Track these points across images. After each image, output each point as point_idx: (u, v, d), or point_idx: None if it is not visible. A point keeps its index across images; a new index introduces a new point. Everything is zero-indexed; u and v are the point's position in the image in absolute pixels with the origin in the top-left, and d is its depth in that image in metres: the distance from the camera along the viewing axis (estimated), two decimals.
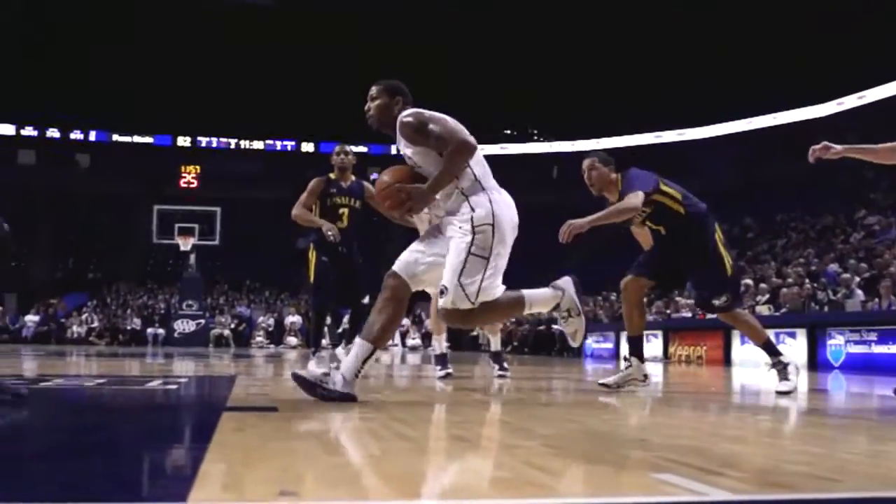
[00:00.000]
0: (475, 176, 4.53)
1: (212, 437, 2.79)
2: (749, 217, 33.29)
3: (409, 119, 4.52)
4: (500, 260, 4.53)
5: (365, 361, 4.40)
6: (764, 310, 16.96)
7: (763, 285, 18.93)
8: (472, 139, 4.47)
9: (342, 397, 4.28)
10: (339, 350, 7.97)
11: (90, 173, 42.93)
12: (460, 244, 4.44)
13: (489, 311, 4.63)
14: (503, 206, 4.54)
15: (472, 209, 4.46)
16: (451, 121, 4.53)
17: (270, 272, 36.04)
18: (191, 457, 2.51)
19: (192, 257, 28.41)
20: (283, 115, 41.71)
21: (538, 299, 4.85)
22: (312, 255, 8.25)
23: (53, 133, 42.73)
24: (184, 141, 43.65)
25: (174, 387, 6.01)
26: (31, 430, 3.34)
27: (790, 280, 18.47)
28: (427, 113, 4.54)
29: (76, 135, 43.34)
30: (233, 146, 44.07)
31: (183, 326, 27.04)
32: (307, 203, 8.04)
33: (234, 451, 2.52)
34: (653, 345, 19.68)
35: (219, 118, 41.61)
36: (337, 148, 8.45)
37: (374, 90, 4.85)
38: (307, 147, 44.81)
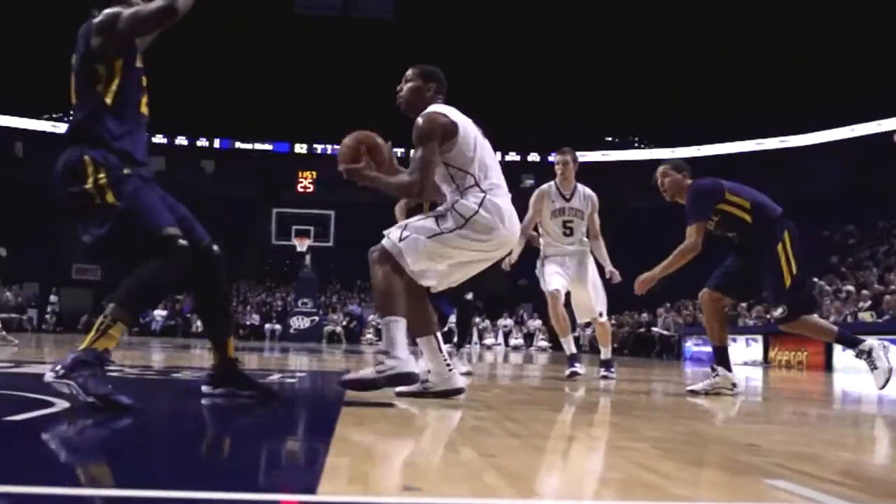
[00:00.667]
0: (475, 179, 4.49)
1: (333, 432, 2.91)
2: (851, 224, 32.28)
3: (420, 123, 4.59)
4: (452, 249, 4.40)
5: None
6: (867, 316, 16.45)
7: (865, 292, 18.38)
8: (424, 190, 4.47)
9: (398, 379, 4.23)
10: (459, 364, 8.05)
11: (215, 178, 44.45)
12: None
13: None
14: (491, 211, 4.40)
15: (458, 200, 4.44)
16: (432, 162, 4.51)
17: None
18: (316, 450, 2.62)
19: (308, 258, 29.15)
20: (392, 123, 42.19)
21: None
22: None
23: (182, 141, 44.54)
24: (301, 148, 44.78)
25: (293, 381, 6.21)
26: (165, 421, 3.52)
27: (893, 287, 17.89)
28: (431, 129, 4.53)
29: (202, 142, 45.02)
30: None
31: (298, 323, 27.81)
32: (409, 204, 8.20)
33: (356, 446, 2.64)
34: (753, 349, 19.25)
35: (333, 126, 42.40)
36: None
37: (409, 72, 4.91)
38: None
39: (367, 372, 4.26)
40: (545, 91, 40.44)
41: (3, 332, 11.83)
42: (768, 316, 5.72)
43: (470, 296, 8.25)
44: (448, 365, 4.51)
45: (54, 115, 42.64)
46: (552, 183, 8.14)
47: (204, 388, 4.12)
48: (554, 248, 7.91)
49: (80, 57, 3.84)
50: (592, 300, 7.85)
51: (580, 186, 8.09)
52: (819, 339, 6.23)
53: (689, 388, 6.24)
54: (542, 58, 40.36)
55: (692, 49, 39.14)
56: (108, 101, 3.84)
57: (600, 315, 7.98)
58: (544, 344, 27.86)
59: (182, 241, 3.62)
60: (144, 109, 4.05)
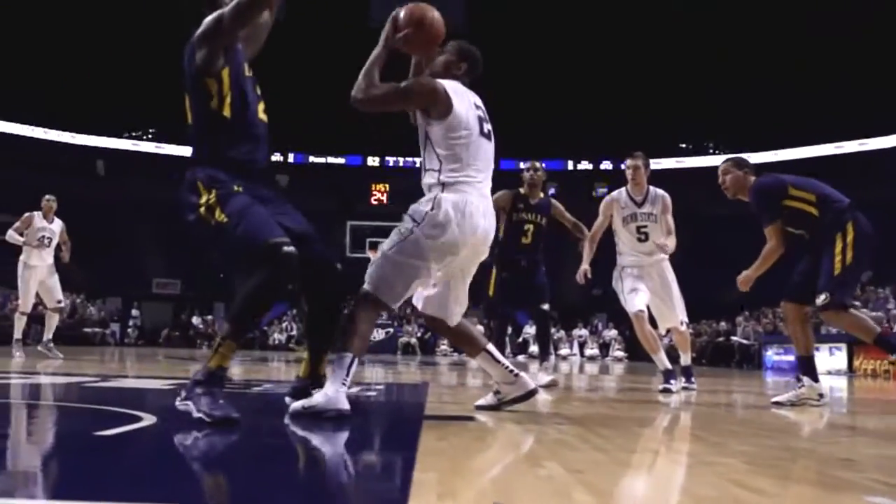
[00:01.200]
0: (439, 164, 4.43)
1: (417, 446, 2.91)
2: None
3: (422, 79, 4.57)
4: (422, 257, 4.21)
5: None
6: None
7: None
8: (366, 99, 4.32)
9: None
10: (542, 375, 7.95)
11: (289, 192, 45.03)
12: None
13: None
14: (443, 207, 4.25)
15: (430, 201, 4.33)
16: (394, 100, 4.47)
17: None
18: (401, 465, 2.62)
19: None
20: None
21: None
22: (493, 272, 8.36)
23: None
24: (373, 161, 45.19)
25: (373, 393, 6.24)
26: (249, 436, 3.55)
27: None
28: (423, 88, 4.46)
29: (276, 157, 45.78)
30: (418, 164, 44.91)
31: (373, 335, 27.96)
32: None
33: (441, 461, 2.63)
34: (837, 358, 18.73)
35: (404, 139, 42.68)
36: (527, 164, 8.54)
37: (448, 45, 4.80)
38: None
39: (489, 400, 4.39)
40: (618, 98, 40.15)
41: (51, 344, 12.09)
42: (816, 301, 5.54)
43: (546, 306, 8.18)
44: (511, 371, 4.45)
45: (133, 134, 43.73)
46: (623, 189, 7.94)
47: (287, 400, 4.16)
48: (630, 257, 7.69)
49: (189, 77, 3.92)
50: (675, 309, 7.66)
51: (652, 189, 7.86)
52: (859, 336, 6.03)
53: (774, 399, 6.09)
54: (614, 64, 40.09)
55: (768, 53, 38.52)
56: (227, 114, 3.93)
57: (681, 324, 7.77)
58: (620, 354, 27.58)
59: (287, 249, 3.64)
60: (263, 116, 4.13)
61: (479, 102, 4.64)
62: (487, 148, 4.56)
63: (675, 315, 7.66)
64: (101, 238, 34.53)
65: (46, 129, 39.91)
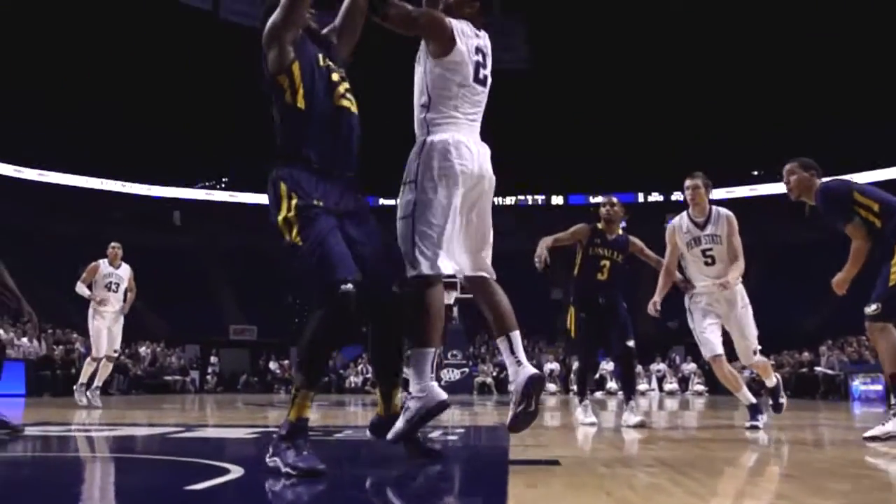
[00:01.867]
0: (428, 102, 4.34)
1: (506, 493, 2.87)
2: None
3: (427, 10, 4.45)
4: (433, 205, 4.15)
5: None
6: None
7: None
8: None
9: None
10: (629, 415, 7.76)
11: None
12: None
13: None
14: (439, 147, 4.22)
15: (417, 154, 4.27)
16: (406, 20, 4.29)
17: (528, 321, 36.05)
18: None
19: (455, 309, 29.32)
20: (532, 171, 42.33)
21: None
22: (571, 311, 8.27)
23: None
24: None
25: (453, 438, 6.18)
26: (335, 485, 3.54)
27: None
28: (429, 20, 4.34)
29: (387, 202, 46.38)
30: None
31: (449, 375, 27.96)
32: (562, 238, 8.07)
33: None
34: None
35: None
36: (604, 199, 8.42)
37: None
38: (556, 200, 45.36)
39: (399, 426, 4.09)
40: (687, 127, 39.79)
41: (97, 392, 12.17)
42: (866, 309, 5.37)
43: (631, 343, 8.02)
44: (518, 360, 4.19)
45: (207, 184, 44.70)
46: (684, 213, 7.65)
47: (369, 434, 4.19)
48: (699, 284, 7.40)
49: (266, 81, 4.02)
50: (747, 338, 7.33)
51: (714, 210, 7.52)
52: (882, 359, 5.78)
53: (867, 434, 5.85)
54: (682, 94, 39.79)
55: (840, 76, 37.84)
56: (301, 105, 3.99)
57: (754, 353, 7.42)
58: (701, 388, 27.02)
59: (344, 287, 3.62)
60: (344, 102, 4.12)
61: (485, 46, 4.59)
62: (481, 93, 4.54)
63: (748, 344, 7.38)
64: (178, 287, 35.22)
65: (124, 183, 41.01)
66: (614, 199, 8.41)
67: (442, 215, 4.15)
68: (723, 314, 7.34)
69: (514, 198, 45.08)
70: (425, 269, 4.08)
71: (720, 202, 7.94)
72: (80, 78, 35.72)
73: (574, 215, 8.23)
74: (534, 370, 4.11)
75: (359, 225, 4.00)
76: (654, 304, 7.42)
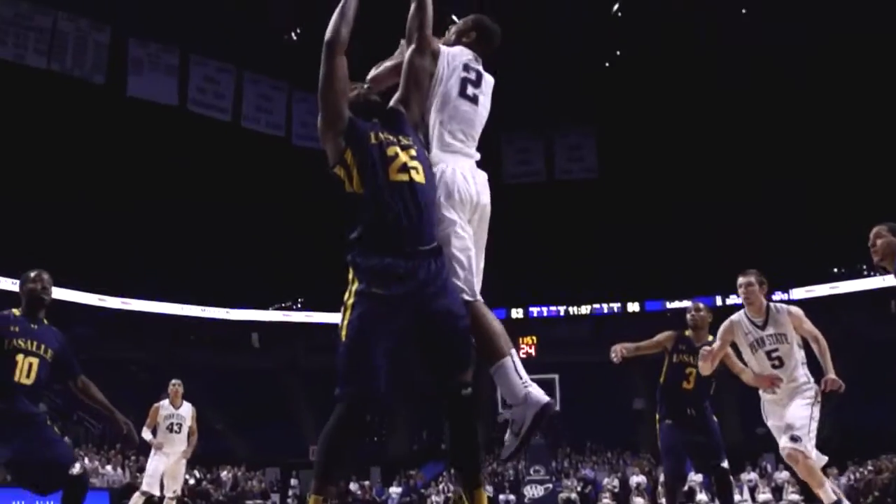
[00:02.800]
0: (443, 134, 4.39)
1: None
2: None
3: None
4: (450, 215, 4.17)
5: None
6: None
7: None
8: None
9: None
10: None
11: None
12: None
13: None
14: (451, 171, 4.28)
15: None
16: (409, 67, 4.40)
17: (609, 432, 35.57)
18: None
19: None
20: (606, 279, 42.04)
21: None
22: (657, 418, 8.01)
23: None
24: (517, 313, 45.13)
25: None
26: None
27: None
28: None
29: None
30: (562, 313, 44.89)
31: (532, 492, 27.32)
32: (645, 346, 7.86)
33: None
34: None
35: (546, 288, 42.81)
36: (691, 304, 8.18)
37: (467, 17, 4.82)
38: (633, 307, 44.75)
39: (510, 441, 3.93)
40: (764, 226, 39.19)
41: None
42: None
43: (725, 464, 7.63)
44: (525, 384, 4.02)
45: (283, 305, 45.30)
46: (741, 312, 7.31)
47: None
48: (775, 391, 6.98)
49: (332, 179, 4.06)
50: (791, 420, 6.81)
51: (772, 306, 7.18)
52: None
53: None
54: (756, 195, 39.40)
55: None
56: (359, 190, 4.00)
57: (792, 439, 6.75)
58: (796, 497, 25.88)
59: (348, 401, 3.64)
60: (401, 176, 4.07)
61: (478, 69, 4.61)
62: (470, 111, 4.49)
63: (788, 424, 6.78)
64: (258, 408, 35.38)
65: (203, 307, 41.79)
66: (700, 305, 8.14)
67: (470, 243, 4.28)
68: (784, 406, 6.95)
69: (588, 307, 44.65)
70: (478, 292, 4.21)
71: (800, 302, 7.66)
72: (160, 208, 36.88)
73: (651, 322, 8.01)
74: (546, 396, 3.92)
75: (435, 298, 3.91)
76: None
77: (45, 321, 6.70)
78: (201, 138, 35.12)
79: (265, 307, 44.50)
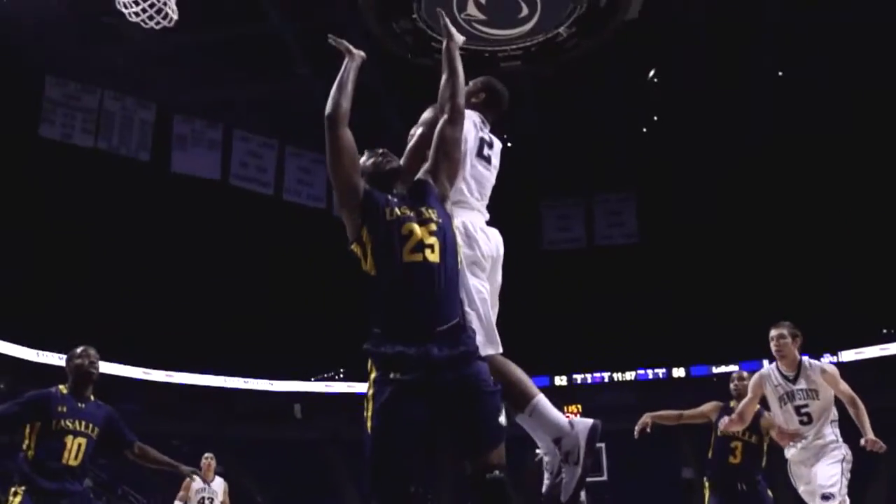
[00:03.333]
0: (462, 191, 4.42)
1: None
2: None
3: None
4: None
5: None
6: None
7: None
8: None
9: None
10: None
11: None
12: None
13: None
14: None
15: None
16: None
17: (658, 501, 34.85)
18: None
19: (583, 494, 28.31)
20: (652, 344, 41.55)
21: None
22: (706, 491, 7.81)
23: None
24: (560, 380, 44.67)
25: None
26: None
27: None
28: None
29: None
30: (606, 380, 44.37)
31: None
32: (690, 416, 7.70)
33: None
34: None
35: (589, 356, 42.41)
36: (734, 373, 7.99)
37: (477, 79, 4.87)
38: (678, 372, 44.10)
39: (567, 475, 3.88)
40: (811, 288, 38.60)
41: None
42: None
43: None
44: (567, 423, 4.10)
45: (325, 376, 45.26)
46: (773, 365, 7.10)
47: None
48: (793, 448, 6.83)
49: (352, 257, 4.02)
50: (822, 480, 6.59)
51: (805, 361, 6.96)
52: None
53: None
54: (802, 257, 38.92)
55: None
56: (372, 271, 3.91)
57: (823, 497, 6.55)
58: None
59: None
60: (416, 256, 3.95)
61: (490, 137, 4.71)
62: (485, 172, 4.60)
63: (818, 486, 6.57)
64: (301, 480, 35.15)
65: (246, 379, 41.89)
66: (743, 374, 7.91)
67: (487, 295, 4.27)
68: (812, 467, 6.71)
69: (633, 373, 44.13)
70: (497, 343, 4.20)
71: (850, 364, 7.45)
72: (203, 280, 37.26)
73: (697, 387, 7.85)
74: (590, 420, 3.93)
75: (457, 376, 3.78)
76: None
77: (92, 397, 6.72)
78: (244, 211, 35.57)
79: (308, 378, 44.51)
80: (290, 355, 41.16)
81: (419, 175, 4.26)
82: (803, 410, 6.88)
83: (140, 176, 32.46)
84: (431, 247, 3.98)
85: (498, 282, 4.52)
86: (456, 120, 4.34)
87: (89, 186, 32.80)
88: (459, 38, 4.73)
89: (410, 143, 4.56)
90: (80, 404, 6.54)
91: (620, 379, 44.43)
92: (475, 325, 4.07)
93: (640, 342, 41.47)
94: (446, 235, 4.05)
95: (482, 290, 4.22)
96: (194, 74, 28.50)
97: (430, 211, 4.09)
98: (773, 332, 7.17)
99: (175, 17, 7.87)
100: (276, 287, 39.54)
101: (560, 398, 43.66)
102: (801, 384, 6.93)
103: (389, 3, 17.55)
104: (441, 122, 4.34)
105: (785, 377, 7.02)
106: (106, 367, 30.51)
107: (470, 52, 19.65)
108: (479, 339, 4.04)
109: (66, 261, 32.97)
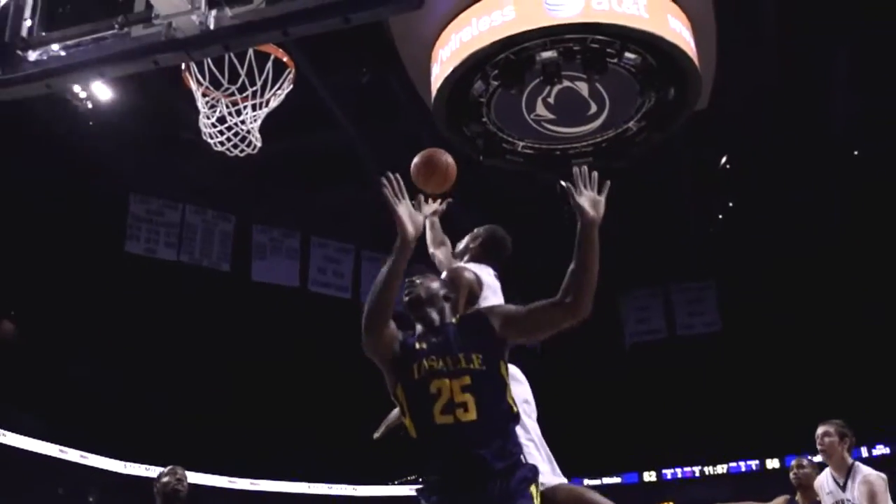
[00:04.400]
0: None
1: None
2: None
3: (450, 274, 4.56)
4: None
5: None
6: None
7: None
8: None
9: None
10: None
11: None
12: None
13: None
14: None
15: None
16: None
17: None
18: None
19: None
20: (743, 435, 40.38)
21: None
22: None
23: None
24: (649, 476, 43.57)
25: None
26: None
27: None
28: (458, 283, 4.48)
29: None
30: (697, 474, 43.17)
31: None
32: None
33: None
34: None
35: (680, 448, 41.40)
36: (793, 462, 7.62)
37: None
38: (772, 464, 42.66)
39: None
40: (866, 380, 37.22)
41: None
42: None
43: None
44: None
45: (408, 479, 44.80)
46: (828, 469, 6.75)
47: None
48: None
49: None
50: None
51: (857, 468, 6.55)
52: None
53: None
54: (887, 343, 37.70)
55: None
56: (413, 432, 3.84)
57: None
58: None
59: None
60: (444, 419, 3.79)
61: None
62: None
63: None
64: None
65: (330, 485, 41.69)
66: (803, 461, 7.51)
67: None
68: None
69: (724, 466, 42.80)
70: (550, 476, 4.30)
71: None
72: (283, 386, 37.54)
73: (742, 484, 7.49)
74: None
75: None
76: None
77: None
78: (322, 316, 35.96)
79: (390, 482, 44.10)
80: (374, 460, 40.92)
81: (481, 306, 4.10)
82: None
83: (222, 286, 33.19)
84: (464, 405, 3.77)
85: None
86: (574, 315, 3.96)
87: (173, 298, 33.63)
88: (597, 215, 4.13)
89: (459, 250, 4.62)
90: None
91: (712, 473, 43.13)
92: (534, 457, 3.98)
93: (732, 433, 40.34)
94: (484, 385, 3.80)
95: (535, 427, 4.21)
96: (271, 184, 29.30)
97: (467, 358, 3.86)
98: (818, 431, 6.83)
99: (259, 144, 8.19)
100: (355, 388, 39.58)
101: (650, 495, 42.48)
102: (848, 493, 6.50)
103: (460, 110, 17.87)
104: (559, 304, 3.99)
105: (836, 482, 6.61)
106: (192, 477, 30.81)
107: (541, 151, 19.90)
108: (544, 469, 3.97)
109: (146, 371, 33.61)
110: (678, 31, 16.81)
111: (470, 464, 3.64)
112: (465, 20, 17.14)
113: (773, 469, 42.17)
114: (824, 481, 6.67)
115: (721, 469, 42.91)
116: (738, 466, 42.84)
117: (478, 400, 3.76)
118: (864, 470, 6.64)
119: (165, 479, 6.69)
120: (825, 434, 6.77)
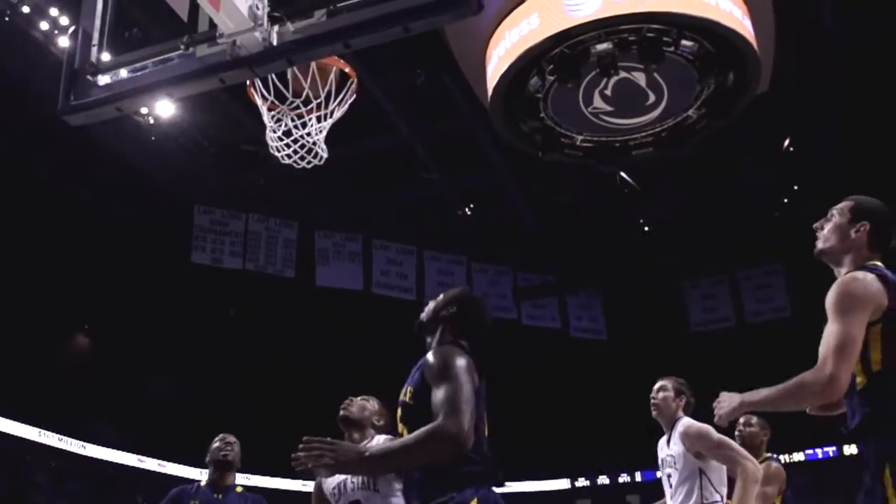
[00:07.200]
0: None
1: None
2: None
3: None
4: None
5: None
6: None
7: None
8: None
9: None
10: None
11: None
12: None
13: None
14: None
15: None
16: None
17: None
18: None
19: None
20: (819, 421, 39.45)
21: None
22: None
23: (604, 480, 44.98)
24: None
25: None
26: None
27: None
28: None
29: (624, 478, 44.91)
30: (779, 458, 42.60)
31: None
32: None
33: None
34: None
35: None
36: (741, 419, 7.57)
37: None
38: (849, 450, 41.81)
39: None
40: None
41: None
42: None
43: None
44: None
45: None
46: None
47: None
48: None
49: None
50: None
51: (680, 421, 6.63)
52: None
53: None
54: None
55: None
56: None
57: None
58: None
59: None
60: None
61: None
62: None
63: None
64: None
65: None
66: (752, 419, 7.47)
67: None
68: None
69: (802, 453, 42.05)
70: None
71: None
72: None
73: None
74: None
75: None
76: None
77: (239, 488, 6.69)
78: (387, 318, 36.11)
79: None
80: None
81: None
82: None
83: (287, 292, 33.52)
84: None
85: None
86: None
87: (239, 306, 34.08)
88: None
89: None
90: (216, 495, 6.49)
91: (788, 460, 42.37)
92: None
93: (808, 419, 39.58)
94: None
95: None
96: (331, 190, 29.50)
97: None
98: (655, 385, 6.90)
99: (325, 155, 8.25)
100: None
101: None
102: (673, 447, 6.75)
103: (517, 106, 17.79)
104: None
105: (666, 440, 6.88)
106: (261, 481, 31.19)
107: (601, 143, 19.76)
108: None
109: (217, 378, 34.04)
110: (735, 15, 16.56)
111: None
112: (519, 17, 17.13)
113: (851, 455, 41.30)
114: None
115: (798, 457, 42.21)
116: (815, 453, 42.14)
117: None
118: (687, 421, 6.54)
119: (216, 445, 6.75)
120: (661, 388, 6.74)
